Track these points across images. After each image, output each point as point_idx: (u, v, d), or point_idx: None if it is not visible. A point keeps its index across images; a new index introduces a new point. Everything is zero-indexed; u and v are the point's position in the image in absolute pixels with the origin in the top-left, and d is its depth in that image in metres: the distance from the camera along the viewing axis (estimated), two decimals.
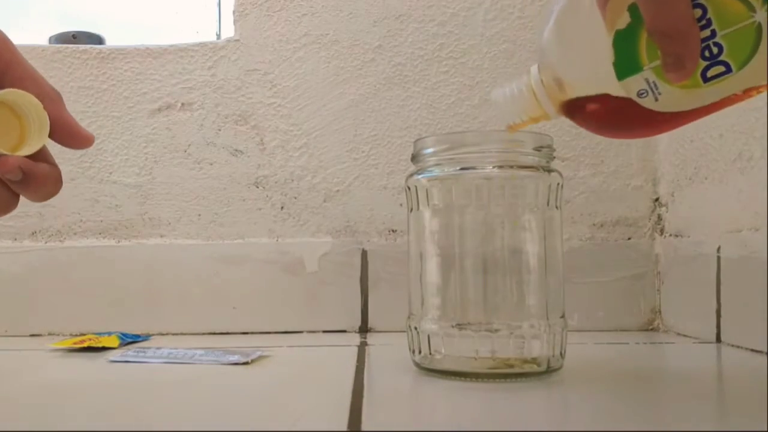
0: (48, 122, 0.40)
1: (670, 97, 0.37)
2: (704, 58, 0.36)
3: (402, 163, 0.74)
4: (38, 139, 0.40)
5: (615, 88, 0.37)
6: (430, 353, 0.46)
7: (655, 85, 0.37)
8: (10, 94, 0.38)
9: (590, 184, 0.74)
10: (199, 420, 0.37)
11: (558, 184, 0.47)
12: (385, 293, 0.72)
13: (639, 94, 0.37)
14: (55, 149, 0.76)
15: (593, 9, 0.37)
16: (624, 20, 0.36)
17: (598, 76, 0.38)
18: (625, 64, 0.37)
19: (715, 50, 0.36)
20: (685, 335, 0.66)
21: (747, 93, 0.37)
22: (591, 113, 0.40)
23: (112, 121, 0.75)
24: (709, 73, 0.36)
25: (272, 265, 0.73)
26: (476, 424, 0.35)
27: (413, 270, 0.48)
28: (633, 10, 0.36)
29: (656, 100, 0.37)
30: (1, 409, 0.40)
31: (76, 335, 0.68)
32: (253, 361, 0.53)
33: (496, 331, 0.44)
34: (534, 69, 0.40)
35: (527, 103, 0.40)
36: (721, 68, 0.36)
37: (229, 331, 0.72)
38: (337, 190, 0.74)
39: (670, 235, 0.71)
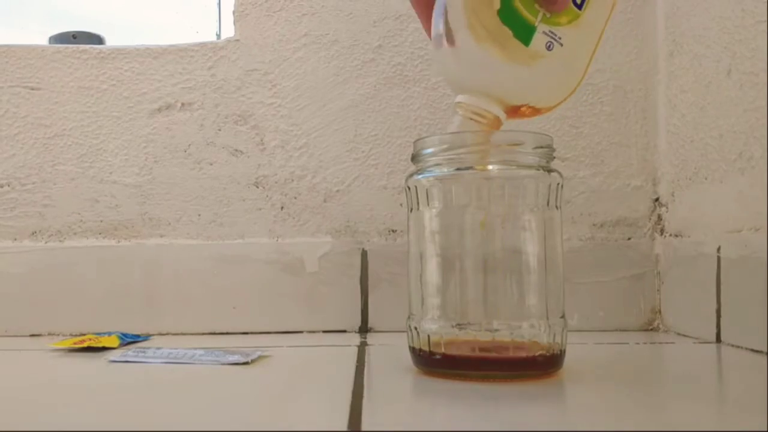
0: None
1: (569, 38, 0.44)
2: None
3: (402, 163, 0.74)
4: None
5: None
6: (430, 353, 0.46)
7: (552, 33, 0.44)
8: None
9: (590, 184, 0.74)
10: (199, 420, 0.37)
11: (558, 184, 0.47)
12: (385, 293, 0.72)
13: (548, 47, 0.44)
14: (56, 149, 0.76)
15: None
16: (495, 1, 0.43)
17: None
18: (522, 30, 0.43)
19: None
20: (685, 335, 0.66)
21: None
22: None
23: (112, 121, 0.75)
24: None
25: (272, 265, 0.73)
26: (476, 425, 0.35)
27: (413, 270, 0.48)
28: None
29: (562, 45, 0.44)
30: (1, 409, 0.40)
31: (76, 335, 0.68)
32: (253, 361, 0.53)
33: (496, 331, 0.44)
34: (461, 97, 0.46)
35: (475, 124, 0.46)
36: None
37: (229, 331, 0.72)
38: (337, 190, 0.74)
39: (670, 235, 0.71)
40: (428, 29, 0.47)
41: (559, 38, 0.44)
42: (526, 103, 0.46)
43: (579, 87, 0.47)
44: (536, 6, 0.43)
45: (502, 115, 0.46)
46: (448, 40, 0.44)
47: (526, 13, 0.43)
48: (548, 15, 0.43)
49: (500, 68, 0.44)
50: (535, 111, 0.47)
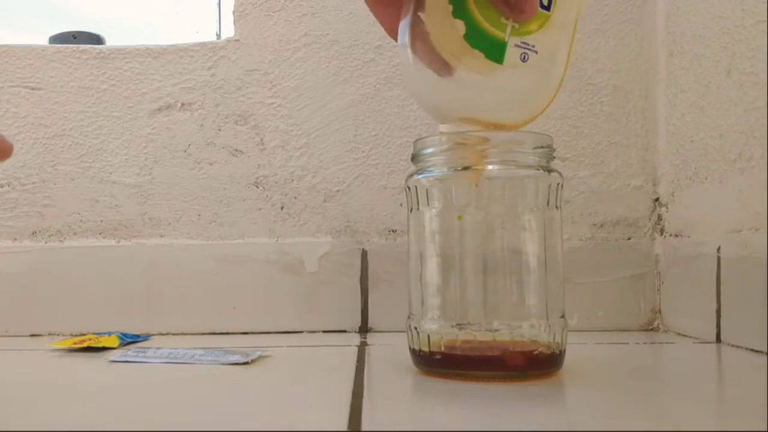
0: None
1: (543, 43, 0.42)
2: None
3: (402, 163, 0.74)
4: None
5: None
6: (430, 353, 0.46)
7: (525, 43, 0.42)
8: None
9: (590, 184, 0.74)
10: (199, 420, 0.37)
11: (558, 184, 0.47)
12: (385, 293, 0.72)
13: (523, 59, 0.42)
14: (56, 149, 0.76)
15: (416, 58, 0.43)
16: (459, 25, 0.41)
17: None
18: (493, 50, 0.41)
19: None
20: (685, 335, 0.66)
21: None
22: None
23: (112, 121, 0.75)
24: (545, 0, 0.42)
25: (272, 265, 0.73)
26: (476, 425, 0.35)
27: (413, 270, 0.48)
28: (457, 11, 0.41)
29: (537, 52, 0.42)
30: (2, 409, 0.40)
31: (76, 335, 0.68)
32: (253, 361, 0.53)
33: (496, 331, 0.44)
34: (443, 127, 0.45)
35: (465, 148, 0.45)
36: None
37: (229, 331, 0.72)
38: (337, 190, 0.74)
39: (670, 235, 0.71)
40: (390, 32, 0.45)
41: (533, 46, 0.42)
42: (511, 121, 0.45)
43: (561, 87, 0.45)
44: (503, 20, 0.41)
45: (488, 134, 0.45)
46: (417, 69, 0.43)
47: (493, 30, 0.41)
48: (517, 26, 0.41)
49: (478, 92, 0.43)
50: (522, 123, 0.45)
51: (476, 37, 0.41)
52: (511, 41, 0.41)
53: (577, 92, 0.74)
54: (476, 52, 0.41)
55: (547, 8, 0.42)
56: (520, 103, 0.44)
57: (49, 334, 0.72)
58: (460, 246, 0.46)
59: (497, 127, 0.45)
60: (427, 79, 0.43)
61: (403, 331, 0.49)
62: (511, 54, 0.41)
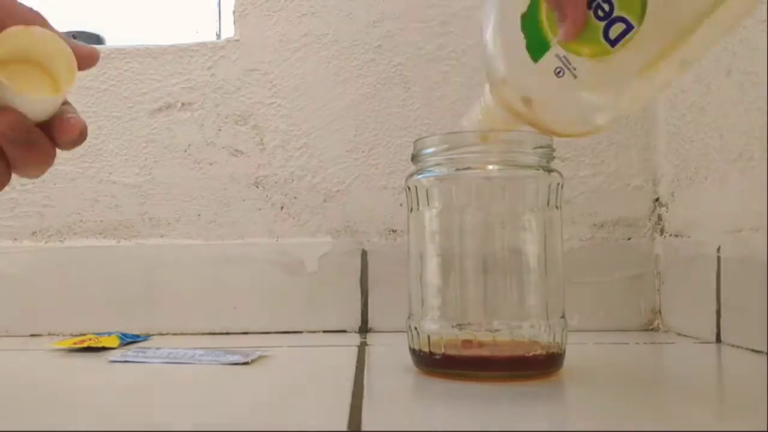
0: (72, 53, 0.35)
1: (587, 73, 0.37)
2: (599, 18, 0.36)
3: (402, 163, 0.74)
4: (69, 74, 0.35)
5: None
6: (430, 353, 0.46)
7: (566, 59, 0.38)
8: (17, 36, 0.33)
9: (590, 184, 0.74)
10: (199, 420, 0.37)
11: (558, 184, 0.47)
12: (385, 293, 0.72)
13: (557, 73, 0.38)
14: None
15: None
16: (524, 2, 0.39)
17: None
18: (535, 42, 0.39)
19: (606, 7, 0.36)
20: (685, 335, 0.66)
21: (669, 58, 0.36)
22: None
23: (112, 121, 0.75)
24: (611, 33, 0.36)
25: (272, 265, 0.73)
26: (476, 425, 0.35)
27: (413, 270, 0.48)
28: None
29: (575, 77, 0.38)
30: (1, 409, 0.40)
31: (76, 335, 0.68)
32: (253, 361, 0.53)
33: (496, 331, 0.44)
34: (465, 123, 0.44)
35: (490, 118, 0.43)
36: (622, 25, 0.36)
37: (229, 331, 0.72)
38: (337, 190, 0.74)
39: (670, 235, 0.71)
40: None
41: (574, 68, 0.38)
42: (529, 121, 0.42)
43: (597, 133, 0.41)
44: (557, 25, 0.38)
45: (511, 121, 0.43)
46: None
47: (545, 28, 0.39)
48: (562, 39, 0.38)
49: (507, 72, 0.41)
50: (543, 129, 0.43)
51: (529, 23, 0.39)
52: (555, 48, 0.38)
53: None
54: (521, 35, 0.39)
55: (611, 42, 0.36)
56: (545, 109, 0.41)
57: (49, 334, 0.72)
58: (460, 246, 0.46)
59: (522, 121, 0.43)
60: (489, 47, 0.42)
61: (403, 331, 0.49)
62: (549, 60, 0.39)
